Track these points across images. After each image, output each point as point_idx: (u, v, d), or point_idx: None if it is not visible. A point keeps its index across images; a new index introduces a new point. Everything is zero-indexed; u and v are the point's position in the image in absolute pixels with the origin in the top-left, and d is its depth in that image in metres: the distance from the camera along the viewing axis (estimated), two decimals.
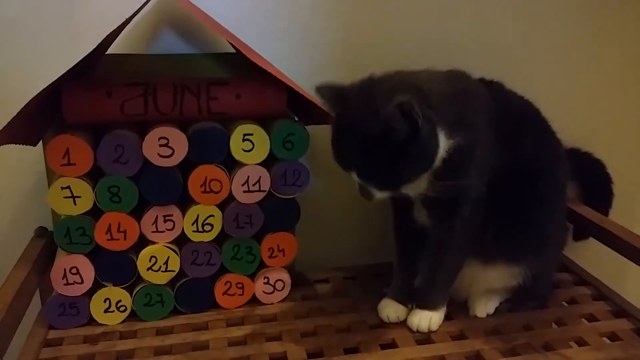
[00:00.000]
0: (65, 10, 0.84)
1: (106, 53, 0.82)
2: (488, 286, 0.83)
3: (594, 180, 1.06)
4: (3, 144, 0.70)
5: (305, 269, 0.96)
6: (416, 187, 0.72)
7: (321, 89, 0.71)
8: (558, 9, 1.00)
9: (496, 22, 0.99)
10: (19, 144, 0.78)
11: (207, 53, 0.87)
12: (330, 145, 0.71)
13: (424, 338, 0.78)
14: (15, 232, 0.88)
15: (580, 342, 0.77)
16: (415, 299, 0.81)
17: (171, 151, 0.76)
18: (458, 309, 0.84)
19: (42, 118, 0.77)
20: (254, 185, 0.80)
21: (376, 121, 0.65)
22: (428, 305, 0.79)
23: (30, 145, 0.79)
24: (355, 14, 0.93)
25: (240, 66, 0.87)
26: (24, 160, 0.88)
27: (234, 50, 0.87)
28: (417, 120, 0.63)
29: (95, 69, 0.82)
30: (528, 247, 0.81)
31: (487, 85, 0.81)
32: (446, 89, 0.72)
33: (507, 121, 0.78)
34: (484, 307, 0.83)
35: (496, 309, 0.84)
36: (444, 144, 0.69)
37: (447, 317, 0.81)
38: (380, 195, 0.71)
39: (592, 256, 1.00)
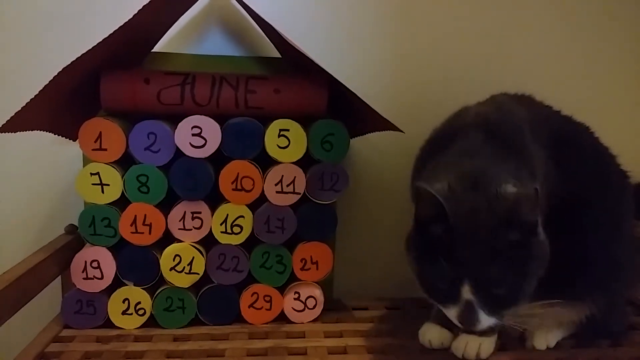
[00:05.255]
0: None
1: (151, 51, 0.83)
2: (548, 320, 0.72)
3: None
4: (25, 130, 0.70)
5: (344, 297, 0.88)
6: None
7: (424, 190, 0.60)
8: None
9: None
10: (59, 135, 0.78)
11: (252, 56, 0.87)
12: (418, 266, 0.63)
13: None
14: (49, 231, 0.86)
15: None
16: None
17: (204, 141, 0.73)
18: (513, 340, 0.72)
19: (82, 112, 0.77)
20: (288, 186, 0.75)
21: (495, 215, 0.57)
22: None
23: (70, 139, 0.79)
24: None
25: (286, 70, 0.85)
26: (62, 158, 0.87)
27: (279, 55, 0.86)
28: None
29: (139, 65, 0.82)
30: (591, 283, 0.69)
31: (527, 104, 0.74)
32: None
33: (557, 146, 0.69)
34: (544, 339, 0.71)
35: (558, 343, 0.72)
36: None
37: (500, 348, 0.70)
38: (485, 322, 0.59)
39: None
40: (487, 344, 0.68)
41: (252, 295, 0.78)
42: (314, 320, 0.80)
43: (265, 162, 0.76)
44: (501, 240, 0.57)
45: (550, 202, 0.66)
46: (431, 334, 0.72)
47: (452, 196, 0.59)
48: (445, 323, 0.72)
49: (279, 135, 0.75)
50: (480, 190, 0.59)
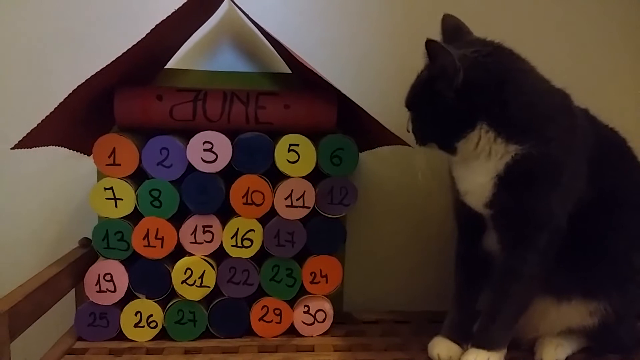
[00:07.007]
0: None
1: (164, 67, 0.85)
2: (560, 326, 0.73)
3: None
4: (41, 145, 0.72)
5: (354, 311, 0.89)
6: (480, 191, 0.67)
7: (449, 17, 0.74)
8: None
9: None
10: (73, 150, 0.80)
11: (262, 72, 0.88)
12: None
13: None
14: (63, 244, 0.88)
15: None
16: (472, 337, 0.71)
17: (215, 156, 0.74)
18: (522, 355, 0.72)
19: (96, 128, 0.79)
20: (297, 200, 0.76)
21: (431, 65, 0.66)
22: (486, 343, 0.69)
23: (84, 154, 0.81)
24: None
25: (296, 86, 0.86)
26: (77, 173, 0.89)
27: (289, 71, 0.88)
28: (453, 80, 0.63)
29: (152, 81, 0.84)
30: (609, 280, 0.71)
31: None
32: (537, 95, 0.67)
33: (598, 151, 0.71)
34: (553, 352, 0.71)
35: (568, 358, 0.72)
36: (487, 139, 0.65)
37: None
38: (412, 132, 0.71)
39: None
40: (496, 359, 0.69)
41: (262, 309, 0.78)
42: (324, 334, 0.80)
43: (275, 177, 0.77)
44: (422, 86, 0.68)
45: (583, 199, 0.69)
46: (440, 348, 0.72)
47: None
48: (456, 337, 0.73)
49: (289, 150, 0.76)
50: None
